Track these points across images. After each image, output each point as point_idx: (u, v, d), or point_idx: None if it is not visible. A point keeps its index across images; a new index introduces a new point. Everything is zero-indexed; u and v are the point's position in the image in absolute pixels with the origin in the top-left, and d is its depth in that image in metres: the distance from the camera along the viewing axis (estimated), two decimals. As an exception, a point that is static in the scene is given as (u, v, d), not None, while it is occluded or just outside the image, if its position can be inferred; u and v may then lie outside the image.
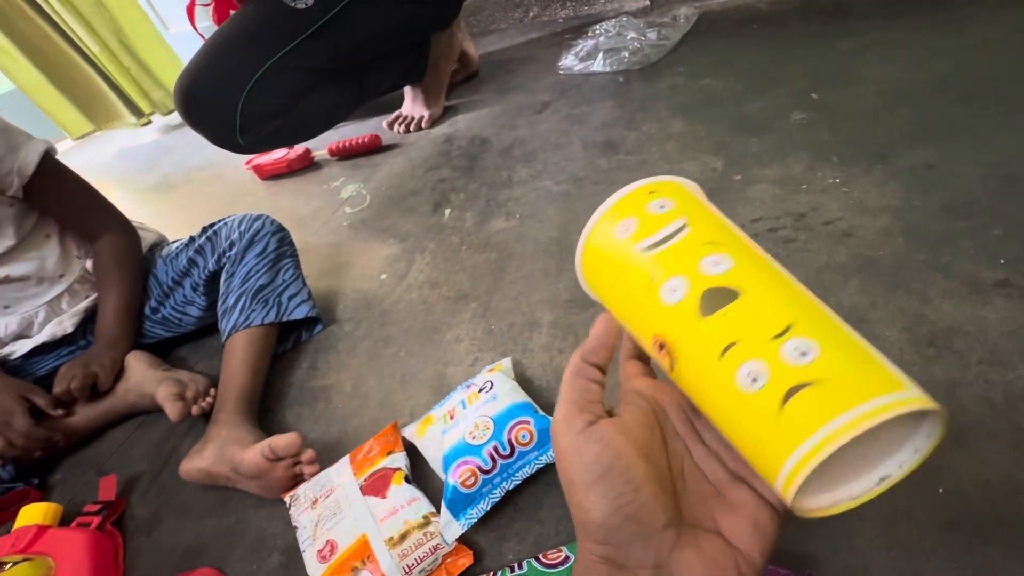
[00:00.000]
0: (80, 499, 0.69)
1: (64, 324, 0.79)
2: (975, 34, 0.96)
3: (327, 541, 0.49)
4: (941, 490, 0.43)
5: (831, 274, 0.63)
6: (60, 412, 0.72)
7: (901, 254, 0.63)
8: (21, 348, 0.78)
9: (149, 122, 2.07)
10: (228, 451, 0.60)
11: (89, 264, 0.81)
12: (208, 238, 0.81)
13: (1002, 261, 0.58)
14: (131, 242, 0.83)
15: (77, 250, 0.81)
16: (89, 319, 0.81)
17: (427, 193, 1.07)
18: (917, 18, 1.06)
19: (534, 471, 0.50)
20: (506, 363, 0.62)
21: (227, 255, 0.78)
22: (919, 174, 0.72)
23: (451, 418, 0.55)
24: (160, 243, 0.89)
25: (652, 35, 1.31)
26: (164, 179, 1.61)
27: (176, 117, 2.10)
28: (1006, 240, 0.60)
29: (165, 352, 0.88)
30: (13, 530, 0.61)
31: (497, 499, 0.49)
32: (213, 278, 0.80)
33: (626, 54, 1.27)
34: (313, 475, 0.57)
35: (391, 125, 1.39)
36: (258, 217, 0.81)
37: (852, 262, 0.64)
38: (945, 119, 0.80)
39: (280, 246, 0.80)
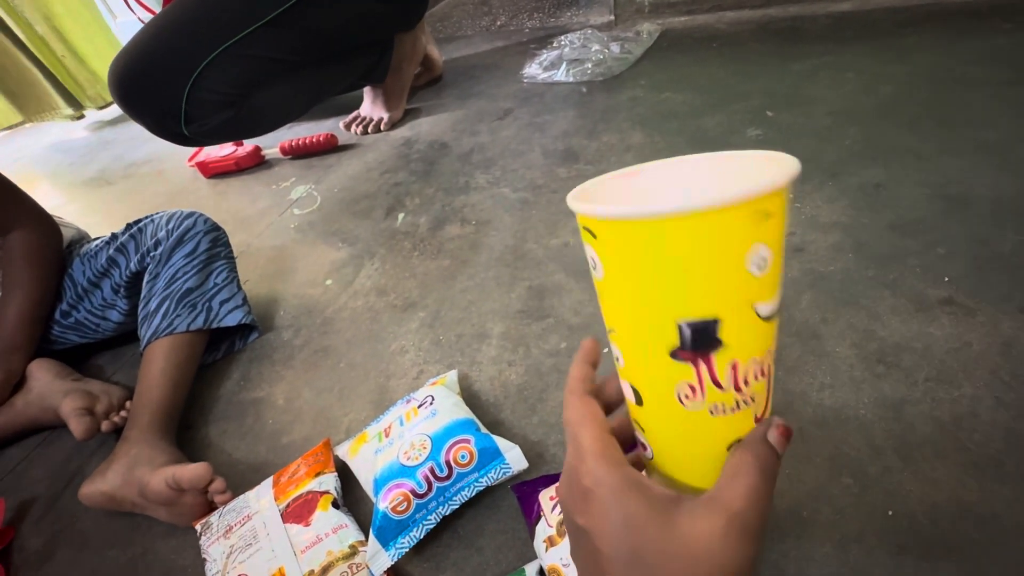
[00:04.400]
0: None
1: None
2: (918, 62, 1.00)
3: (238, 575, 0.44)
4: (891, 512, 0.42)
5: (783, 288, 0.63)
6: None
7: (851, 270, 0.63)
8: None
9: (82, 116, 1.93)
10: (136, 473, 0.54)
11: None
12: (132, 235, 0.74)
13: (946, 279, 0.59)
14: (47, 239, 0.75)
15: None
16: None
17: (381, 197, 1.02)
18: (865, 44, 1.10)
19: (473, 494, 0.46)
20: (451, 376, 0.58)
21: (152, 254, 0.71)
22: (868, 192, 0.73)
23: (386, 436, 0.50)
24: (80, 240, 0.81)
25: (616, 48, 1.31)
26: (100, 174, 1.50)
27: (113, 111, 1.97)
28: (950, 258, 0.61)
29: (80, 360, 0.80)
30: None
31: (432, 525, 0.45)
32: (135, 279, 0.73)
33: (589, 65, 1.27)
34: (226, 503, 0.51)
35: (348, 126, 1.34)
36: (190, 214, 0.75)
37: (804, 277, 0.63)
38: (891, 140, 0.82)
39: (213, 247, 0.74)
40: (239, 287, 0.75)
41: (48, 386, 0.68)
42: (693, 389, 0.22)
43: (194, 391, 0.69)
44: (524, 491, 0.46)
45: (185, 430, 0.65)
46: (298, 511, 0.47)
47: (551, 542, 0.40)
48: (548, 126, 1.11)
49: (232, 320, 0.71)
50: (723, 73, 1.14)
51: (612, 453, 0.21)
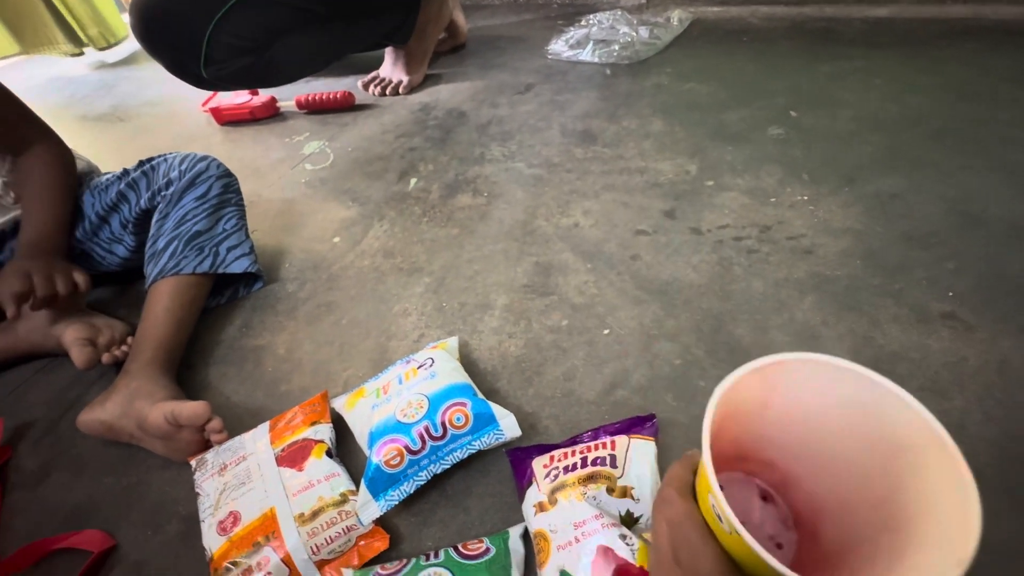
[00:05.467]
0: (-40, 443, 0.62)
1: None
2: (950, 74, 0.99)
3: (230, 512, 0.45)
4: (869, 512, 0.43)
5: (788, 288, 0.63)
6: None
7: (857, 277, 0.63)
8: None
9: (82, 53, 1.88)
10: (135, 405, 0.54)
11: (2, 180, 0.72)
12: (144, 172, 0.74)
13: (951, 294, 0.59)
14: (62, 160, 0.75)
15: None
16: (2, 237, 0.72)
17: (395, 160, 1.02)
18: (898, 52, 1.08)
19: (466, 456, 0.47)
20: (451, 342, 0.59)
21: (163, 194, 0.71)
22: (884, 201, 0.73)
23: (384, 393, 0.51)
24: (90, 172, 0.81)
25: (644, 33, 1.29)
26: (110, 111, 1.48)
27: (117, 53, 1.93)
28: (958, 274, 0.61)
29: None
30: None
31: (423, 482, 0.46)
32: (145, 217, 0.73)
33: (616, 47, 1.25)
34: (222, 443, 0.52)
35: (367, 86, 1.32)
36: (203, 157, 0.74)
37: (810, 279, 0.64)
38: (914, 152, 0.81)
39: (224, 192, 0.74)
40: (247, 235, 0.75)
41: (53, 314, 0.68)
42: None
43: (196, 334, 0.69)
44: (518, 456, 0.47)
45: (185, 370, 0.66)
46: (292, 456, 0.48)
47: (541, 507, 0.41)
48: (569, 105, 1.10)
49: (238, 267, 0.72)
50: (751, 68, 1.12)
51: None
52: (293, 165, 1.06)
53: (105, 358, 0.65)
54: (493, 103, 1.15)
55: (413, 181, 0.94)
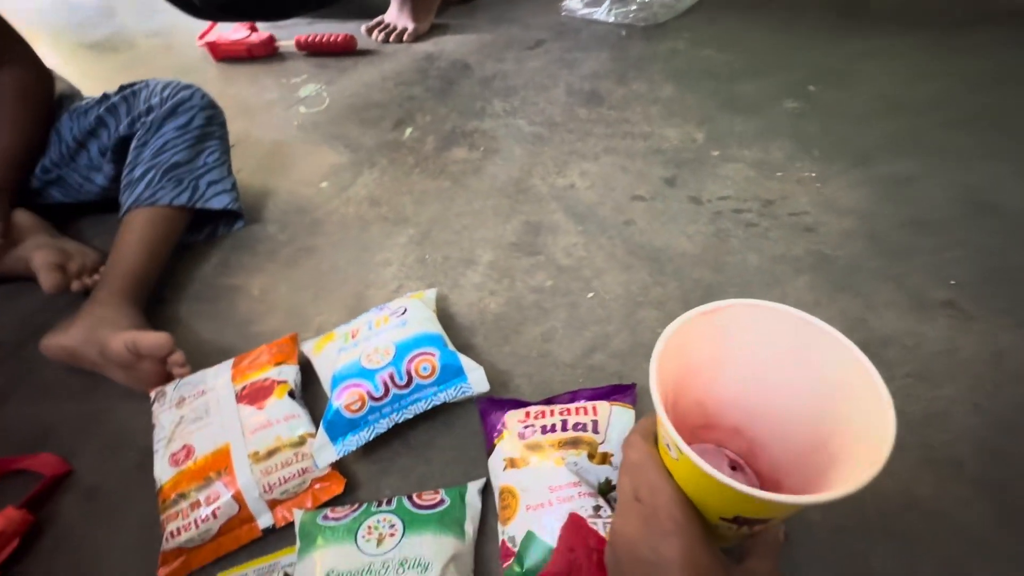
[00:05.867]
0: (-76, 360, 0.61)
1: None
2: (982, 61, 0.93)
3: (184, 445, 0.44)
4: (840, 493, 0.41)
5: (784, 265, 0.61)
6: None
7: (858, 258, 0.60)
8: None
9: None
10: (98, 332, 0.53)
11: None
12: (124, 97, 0.71)
13: (953, 283, 0.57)
14: (39, 82, 0.72)
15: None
16: None
17: (392, 108, 0.98)
18: (930, 32, 1.03)
19: (430, 407, 0.45)
20: (429, 293, 0.57)
21: (142, 120, 0.68)
22: (894, 184, 0.70)
23: (353, 338, 0.49)
24: (71, 95, 0.78)
25: (665, -5, 1.22)
26: (106, 39, 1.42)
27: None
28: (962, 263, 0.58)
29: (62, 221, 0.77)
30: None
31: (383, 430, 0.44)
32: (124, 144, 0.70)
33: (633, 7, 1.18)
34: (183, 376, 0.51)
35: (370, 31, 1.27)
36: (187, 86, 0.71)
37: (808, 257, 0.61)
38: (933, 137, 0.77)
39: (207, 125, 0.71)
40: (230, 172, 0.73)
41: (24, 237, 0.66)
42: (728, 527, 0.27)
43: (170, 268, 0.67)
44: (489, 408, 0.45)
45: (156, 304, 0.64)
46: (253, 394, 0.47)
47: (512, 463, 0.40)
48: (578, 64, 1.05)
49: (218, 203, 0.69)
50: (773, 39, 1.07)
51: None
52: (287, 107, 1.02)
53: (74, 285, 0.63)
54: (499, 57, 1.10)
55: (408, 131, 0.91)
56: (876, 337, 0.52)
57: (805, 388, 0.29)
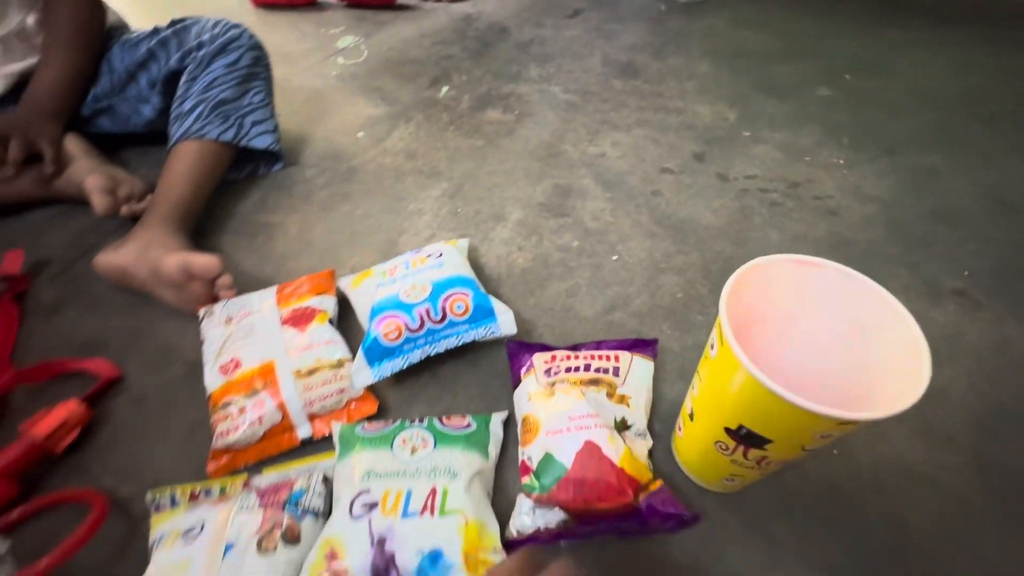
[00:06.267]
0: (-19, 268, 0.64)
1: (-7, 81, 0.70)
2: (1017, 58, 0.93)
3: (232, 358, 0.47)
4: (835, 451, 0.44)
5: (804, 245, 0.63)
6: None
7: (877, 243, 0.62)
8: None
9: None
10: (150, 253, 0.56)
11: (32, 20, 0.71)
12: (175, 32, 0.72)
13: (967, 273, 0.59)
14: (93, 11, 0.73)
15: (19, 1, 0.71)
16: (23, 84, 0.72)
17: (429, 65, 0.99)
18: (967, 28, 1.02)
19: (460, 344, 0.48)
20: (462, 243, 0.60)
21: (193, 55, 0.70)
22: (919, 175, 0.71)
23: (391, 275, 0.52)
24: (119, 27, 0.79)
25: (708, -28, 1.21)
26: (146, -22, 1.43)
27: None
28: (979, 256, 0.60)
29: (110, 150, 0.80)
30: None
31: (415, 360, 0.47)
32: (173, 78, 0.72)
33: (675, -17, 1.18)
34: (230, 299, 0.54)
35: (409, -12, 1.27)
36: (236, 25, 0.72)
37: (828, 239, 0.63)
38: (961, 132, 0.78)
39: (254, 65, 0.73)
40: (273, 113, 0.75)
41: (76, 161, 0.69)
42: (726, 447, 0.34)
43: (213, 203, 0.70)
44: (519, 349, 0.48)
45: (198, 237, 0.67)
46: (296, 319, 0.50)
47: (536, 396, 0.43)
48: (616, 35, 1.05)
49: (261, 143, 0.72)
50: (812, 24, 1.06)
51: None
52: (326, 56, 1.03)
53: (124, 210, 0.66)
54: (538, 23, 1.11)
55: (444, 89, 0.92)
56: (886, 317, 0.54)
57: (843, 331, 0.33)
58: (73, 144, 0.71)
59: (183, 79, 0.70)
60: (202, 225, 0.68)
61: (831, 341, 0.35)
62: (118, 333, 0.57)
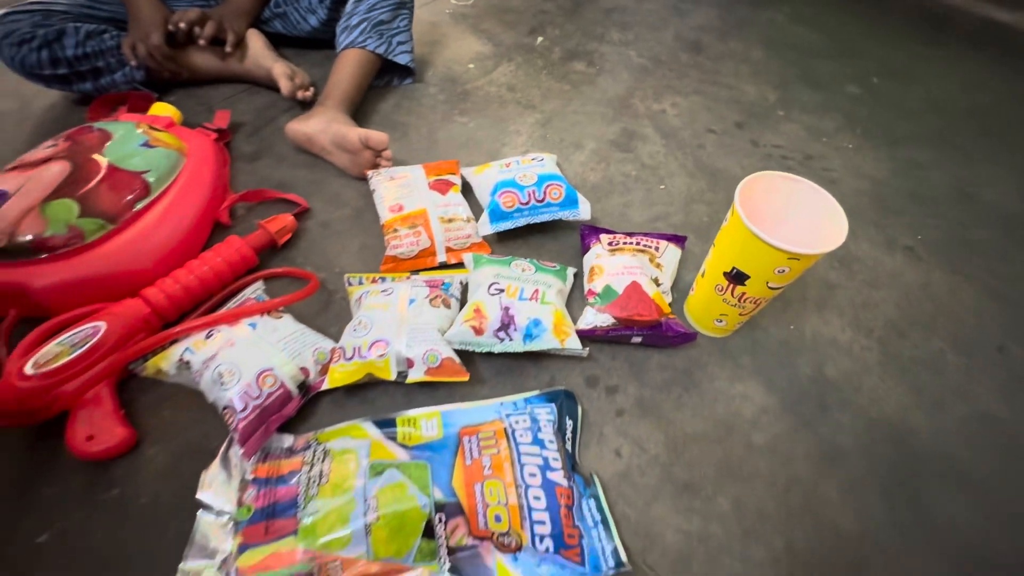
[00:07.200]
0: (190, 123, 0.86)
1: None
2: (1027, 90, 1.09)
3: (397, 203, 0.70)
4: (792, 327, 0.66)
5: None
6: (184, 32, 0.85)
7: (860, 207, 0.82)
8: (167, -18, 0.89)
9: None
10: (333, 125, 0.78)
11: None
12: (348, -40, 0.92)
13: (919, 237, 0.79)
14: None
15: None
16: None
17: (528, 17, 1.17)
18: (993, 55, 1.17)
19: (552, 219, 0.70)
20: (553, 156, 0.81)
21: (362, -19, 0.90)
22: (909, 165, 0.90)
23: (507, 167, 0.74)
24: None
25: (779, -32, 1.35)
26: None
27: None
28: (932, 228, 0.80)
29: (276, 47, 1.01)
30: (148, 114, 0.79)
31: (520, 224, 0.69)
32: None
33: (748, -26, 1.33)
34: (388, 168, 0.76)
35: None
36: (393, -39, 0.91)
37: (824, 199, 0.83)
38: (955, 137, 0.96)
39: (404, -4, 0.92)
40: (411, 37, 0.95)
41: (261, 51, 0.90)
42: (722, 288, 0.56)
43: (360, 101, 0.91)
44: (590, 230, 0.70)
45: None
46: (439, 186, 0.72)
47: (601, 255, 0.65)
48: (688, 14, 1.22)
49: (403, 59, 0.92)
50: (856, 29, 1.22)
51: None
52: (440, -5, 1.22)
53: (299, 94, 0.87)
54: (622, -7, 1.27)
55: (540, 39, 1.11)
56: (851, 254, 0.75)
57: (808, 217, 0.54)
58: (257, 39, 0.92)
59: (351, 0, 0.90)
60: (354, 117, 0.90)
61: (801, 227, 0.55)
62: (301, 180, 0.79)
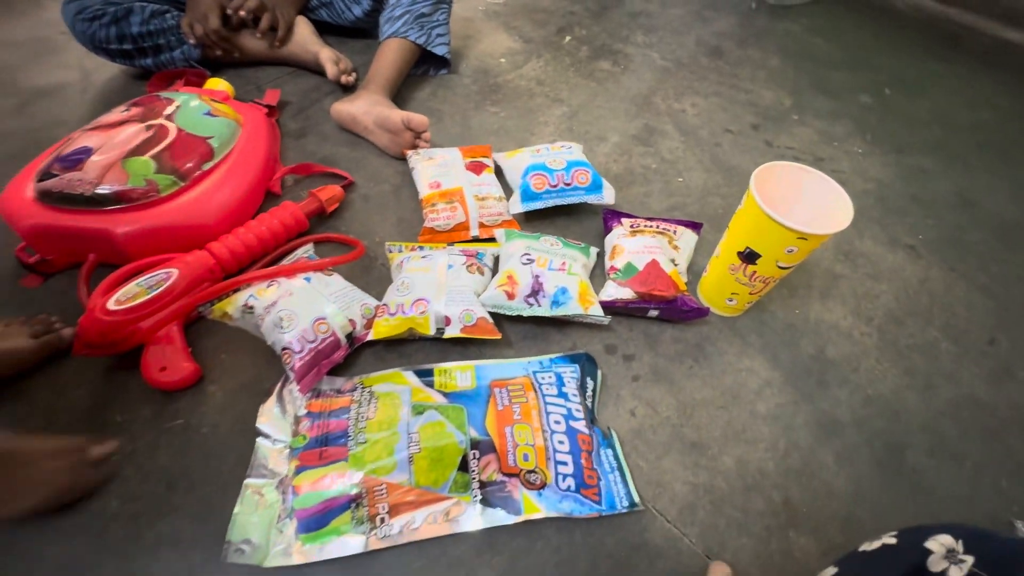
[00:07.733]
0: (241, 99, 0.92)
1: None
2: (1031, 108, 1.14)
3: (436, 180, 0.75)
4: (797, 311, 0.72)
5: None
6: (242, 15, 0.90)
7: (865, 206, 0.88)
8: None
9: None
10: (377, 107, 0.83)
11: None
12: (394, -46, 0.98)
13: (920, 237, 0.84)
14: None
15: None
16: None
17: (556, 16, 1.23)
18: (1000, 74, 1.22)
19: (576, 202, 0.75)
20: (578, 144, 0.86)
21: (406, -24, 0.96)
22: (913, 171, 0.95)
23: (537, 152, 0.79)
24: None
25: (799, -18, 1.41)
26: None
27: None
28: (933, 229, 0.85)
29: (321, 34, 1.07)
30: (204, 87, 0.85)
31: (548, 205, 0.75)
32: (384, -11, 0.98)
33: (769, -14, 1.38)
34: (426, 148, 0.82)
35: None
36: (435, -41, 0.97)
37: (832, 198, 0.88)
38: (957, 148, 1.01)
39: (444, -8, 0.98)
40: (449, 31, 1.01)
41: (308, 37, 0.96)
42: (735, 267, 0.61)
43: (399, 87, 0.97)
44: (612, 214, 0.76)
45: (390, 107, 0.94)
46: (474, 167, 0.78)
47: (622, 236, 0.70)
48: (710, 21, 1.27)
49: (440, 51, 0.98)
50: (872, 42, 1.27)
51: None
52: (473, -7, 1.27)
53: (343, 79, 0.93)
54: (647, -1, 1.33)
55: (567, 38, 1.17)
56: (856, 249, 0.80)
57: (817, 204, 0.59)
58: (304, 26, 0.98)
59: (395, -8, 0.96)
60: (393, 101, 0.95)
61: (810, 212, 0.59)
62: (345, 157, 0.85)
